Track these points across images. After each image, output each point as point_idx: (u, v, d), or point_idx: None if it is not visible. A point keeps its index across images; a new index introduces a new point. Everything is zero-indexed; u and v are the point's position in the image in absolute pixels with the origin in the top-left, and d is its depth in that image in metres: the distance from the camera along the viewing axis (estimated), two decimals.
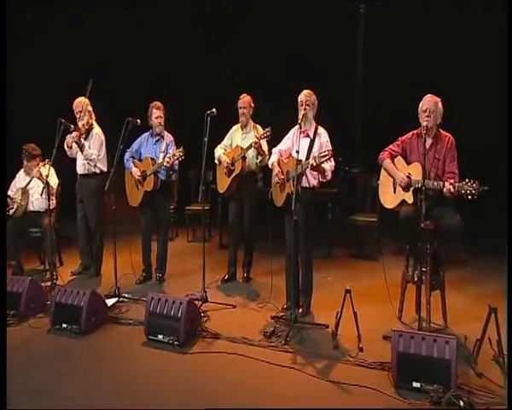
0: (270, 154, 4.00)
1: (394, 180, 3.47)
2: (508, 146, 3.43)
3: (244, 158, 4.25)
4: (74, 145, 4.50)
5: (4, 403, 2.45)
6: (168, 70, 6.91)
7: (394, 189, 3.49)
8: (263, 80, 6.35)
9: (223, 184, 4.46)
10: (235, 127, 4.52)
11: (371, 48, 6.80)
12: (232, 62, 6.87)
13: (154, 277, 4.59)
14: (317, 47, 6.45)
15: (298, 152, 3.41)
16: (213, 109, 3.91)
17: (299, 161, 3.44)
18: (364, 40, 6.99)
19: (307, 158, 3.53)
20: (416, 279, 3.39)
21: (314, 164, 3.27)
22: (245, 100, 4.37)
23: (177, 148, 4.21)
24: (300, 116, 3.55)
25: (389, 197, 3.52)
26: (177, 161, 4.19)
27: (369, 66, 6.94)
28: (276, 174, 3.66)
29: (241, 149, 4.25)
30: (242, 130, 4.45)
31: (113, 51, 6.68)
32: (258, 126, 4.40)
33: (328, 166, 3.46)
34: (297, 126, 3.58)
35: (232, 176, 4.31)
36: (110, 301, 3.80)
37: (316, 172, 3.52)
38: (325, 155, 3.22)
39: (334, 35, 6.46)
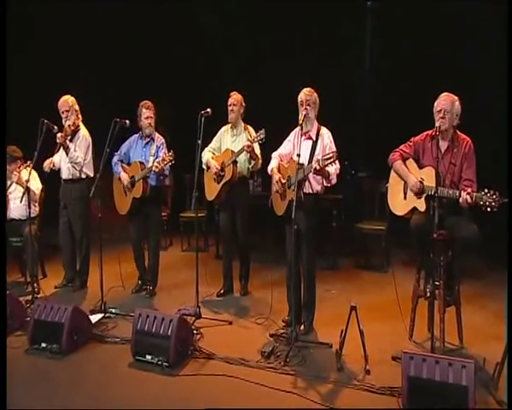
0: (263, 158, 3.92)
1: (405, 184, 3.39)
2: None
3: (235, 163, 4.15)
4: (57, 158, 4.42)
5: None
6: (164, 68, 6.88)
7: (405, 194, 3.40)
8: (264, 80, 6.35)
9: (212, 191, 4.35)
10: (223, 128, 4.42)
11: (379, 43, 6.78)
12: (231, 59, 6.84)
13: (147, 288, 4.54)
14: (322, 43, 6.47)
15: (299, 155, 3.31)
16: (208, 109, 3.83)
17: (301, 165, 3.35)
18: (372, 35, 6.97)
19: (310, 161, 3.45)
20: (428, 294, 3.30)
21: (318, 167, 3.20)
22: (235, 97, 4.29)
23: (168, 151, 4.14)
24: (301, 117, 3.46)
25: (399, 203, 3.44)
26: (167, 166, 4.11)
27: (377, 62, 6.92)
28: (277, 181, 3.57)
29: (232, 152, 4.15)
30: (232, 131, 4.36)
31: (104, 49, 6.65)
32: (249, 128, 4.31)
33: (333, 169, 3.38)
34: (298, 128, 3.50)
35: (222, 182, 4.21)
36: (95, 318, 3.69)
37: (319, 177, 3.45)
38: (329, 158, 3.15)
39: (339, 30, 6.48)
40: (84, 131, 4.47)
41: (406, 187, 3.37)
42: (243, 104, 4.32)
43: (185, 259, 5.69)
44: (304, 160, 3.44)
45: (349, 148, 6.69)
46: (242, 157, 4.18)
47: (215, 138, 4.42)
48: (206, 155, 4.34)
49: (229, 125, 4.36)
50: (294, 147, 3.58)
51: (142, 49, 6.78)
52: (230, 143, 4.31)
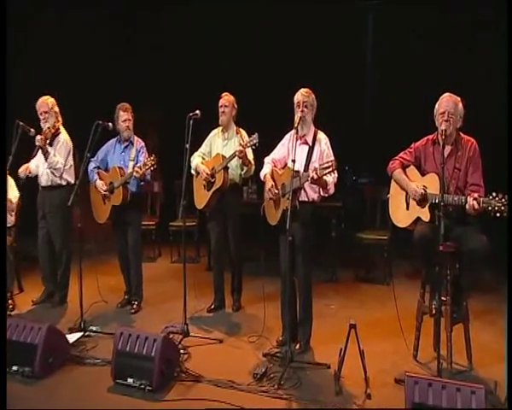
0: (256, 163, 3.88)
1: (407, 194, 3.33)
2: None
3: (226, 169, 4.08)
4: (34, 164, 4.34)
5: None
6: (152, 69, 6.85)
7: (407, 204, 3.34)
8: (262, 82, 6.35)
9: (201, 198, 4.27)
10: (214, 132, 4.36)
11: (381, 45, 6.85)
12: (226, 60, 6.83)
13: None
14: (322, 45, 6.52)
15: (294, 161, 3.24)
16: (197, 111, 3.76)
17: (297, 173, 3.29)
18: (374, 36, 7.06)
19: (305, 168, 3.39)
20: (433, 311, 3.21)
21: (315, 177, 3.13)
22: (226, 98, 4.22)
23: (148, 155, 4.08)
24: (297, 119, 3.39)
25: (401, 215, 3.37)
26: (148, 171, 4.05)
27: (379, 65, 6.98)
28: (270, 189, 3.50)
29: (223, 158, 4.08)
30: (223, 135, 4.29)
31: (92, 51, 6.62)
32: (242, 131, 4.25)
33: (331, 178, 3.33)
34: (293, 131, 3.43)
35: (212, 190, 4.13)
36: (73, 337, 3.58)
37: (316, 185, 3.38)
38: (328, 167, 3.08)
39: (340, 32, 6.54)
40: (64, 136, 4.39)
41: (408, 197, 3.32)
42: (235, 106, 4.26)
43: (174, 271, 5.59)
44: (299, 166, 3.38)
45: (350, 152, 6.82)
46: (234, 163, 4.11)
47: (205, 142, 4.36)
48: (196, 160, 4.28)
49: (220, 129, 4.30)
50: (289, 152, 3.52)
51: (130, 50, 6.79)
52: (221, 147, 4.25)
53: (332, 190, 3.39)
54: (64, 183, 4.35)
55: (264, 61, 6.56)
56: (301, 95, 3.45)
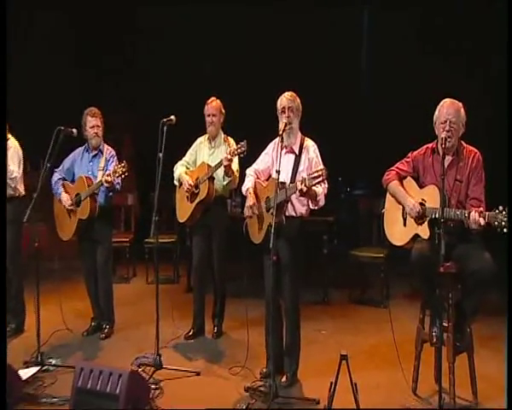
0: (241, 174, 3.83)
1: (403, 209, 3.27)
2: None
3: (212, 179, 4.02)
4: None
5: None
6: (130, 71, 6.81)
7: (404, 220, 3.27)
8: (247, 86, 6.37)
9: (184, 211, 4.21)
10: (200, 140, 4.32)
11: (377, 50, 6.98)
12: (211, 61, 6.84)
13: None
14: (314, 48, 6.65)
15: (279, 172, 3.14)
16: (172, 117, 3.67)
17: (282, 184, 3.20)
18: (368, 40, 7.20)
19: (292, 179, 3.32)
20: (434, 339, 3.11)
21: (304, 188, 3.05)
22: (213, 105, 4.17)
23: (119, 163, 4.01)
24: (282, 126, 3.30)
25: (398, 231, 3.30)
26: (118, 179, 3.98)
27: (374, 69, 7.09)
28: (251, 206, 3.40)
29: (209, 167, 4.02)
30: (210, 143, 4.25)
31: (58, 48, 6.56)
32: (230, 139, 4.21)
33: (321, 189, 3.25)
34: (277, 139, 3.35)
35: (196, 201, 4.07)
36: (27, 373, 3.39)
37: (304, 198, 3.30)
38: (317, 176, 2.99)
39: (335, 35, 6.66)
40: (14, 142, 4.25)
41: (405, 212, 3.25)
42: (223, 111, 4.23)
43: (151, 292, 5.18)
44: (285, 177, 3.30)
45: (343, 162, 6.86)
46: (221, 173, 4.05)
47: (190, 151, 4.33)
48: (179, 170, 4.24)
49: (207, 136, 4.27)
50: (273, 161, 3.44)
51: (101, 49, 6.70)
52: (208, 156, 4.22)
53: (322, 202, 3.31)
54: (16, 194, 4.19)
55: (251, 64, 6.59)
56: (286, 99, 3.37)
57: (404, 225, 3.25)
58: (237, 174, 4.04)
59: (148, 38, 6.82)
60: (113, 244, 5.54)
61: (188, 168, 4.26)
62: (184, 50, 6.81)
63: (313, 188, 3.12)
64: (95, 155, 4.27)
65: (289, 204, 3.33)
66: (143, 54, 6.83)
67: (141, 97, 6.66)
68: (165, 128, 3.59)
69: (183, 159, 4.29)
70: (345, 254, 5.23)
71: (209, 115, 4.15)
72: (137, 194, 6.22)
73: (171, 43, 6.86)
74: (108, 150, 4.30)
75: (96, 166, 4.22)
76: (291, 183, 3.26)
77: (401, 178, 3.32)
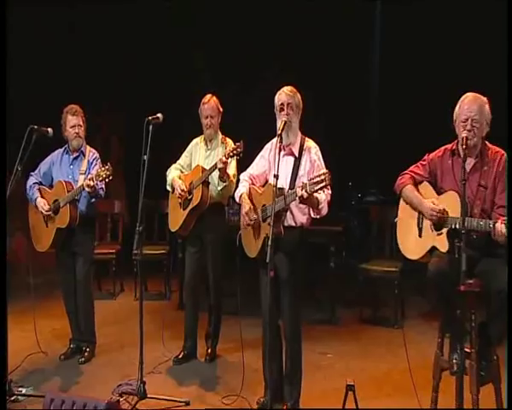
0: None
1: (420, 217, 3.21)
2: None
3: (206, 184, 3.96)
4: None
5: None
6: (119, 68, 6.76)
7: (420, 230, 3.20)
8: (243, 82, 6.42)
9: (176, 219, 4.16)
10: (196, 141, 4.28)
11: (389, 47, 7.05)
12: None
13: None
14: (323, 45, 6.68)
15: (277, 177, 3.04)
16: (158, 115, 3.59)
17: (280, 191, 3.12)
18: (381, 38, 7.32)
19: (291, 185, 3.23)
20: (455, 367, 2.99)
21: (305, 195, 2.96)
22: (211, 105, 4.09)
23: (103, 166, 3.96)
24: (280, 125, 3.22)
25: (412, 243, 3.24)
26: (102, 184, 3.95)
27: (387, 66, 7.16)
28: (246, 213, 3.33)
29: (203, 170, 3.96)
30: (207, 144, 4.20)
31: (40, 42, 6.48)
32: (228, 141, 4.14)
33: (324, 195, 3.16)
34: (275, 140, 3.28)
35: (189, 208, 4.02)
36: None
37: (305, 206, 3.21)
38: (320, 181, 2.89)
39: (344, 31, 6.72)
40: None
41: (421, 220, 3.19)
42: (220, 110, 4.17)
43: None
44: (283, 182, 3.22)
45: (354, 165, 6.80)
46: (216, 177, 3.99)
47: (185, 153, 4.30)
48: (172, 174, 4.21)
49: (203, 137, 4.23)
50: (270, 165, 3.38)
51: (87, 43, 6.71)
52: (203, 159, 4.19)
53: (325, 211, 3.22)
54: None
55: (250, 57, 6.55)
56: (285, 94, 3.29)
57: (420, 235, 3.19)
58: (234, 179, 3.98)
59: (135, 31, 6.81)
60: (99, 256, 5.64)
61: (182, 172, 4.22)
62: (177, 41, 6.84)
63: (315, 194, 3.02)
64: (76, 158, 4.22)
65: (288, 213, 3.24)
66: (131, 46, 6.81)
67: (131, 94, 6.64)
68: (150, 127, 3.50)
69: (178, 162, 4.26)
70: (354, 267, 5.22)
71: (206, 117, 4.07)
72: (126, 200, 6.15)
73: (161, 35, 6.88)
74: (91, 152, 4.24)
75: (76, 170, 4.17)
76: (290, 189, 3.18)
77: (416, 183, 3.27)
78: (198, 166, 4.07)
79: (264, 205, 3.28)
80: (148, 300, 5.68)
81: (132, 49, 6.80)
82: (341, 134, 6.59)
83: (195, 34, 6.76)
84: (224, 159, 3.73)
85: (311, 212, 3.24)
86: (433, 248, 3.08)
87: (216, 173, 3.90)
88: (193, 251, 4.18)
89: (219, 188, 4.01)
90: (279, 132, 3.20)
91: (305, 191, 2.94)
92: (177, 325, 4.47)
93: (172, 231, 4.26)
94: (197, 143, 4.25)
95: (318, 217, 3.25)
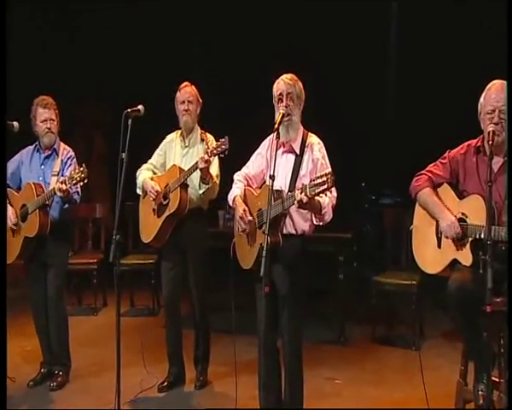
0: (224, 180, 3.78)
1: (438, 225, 3.18)
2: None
3: (185, 187, 3.90)
4: None
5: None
6: (97, 55, 6.85)
7: (439, 240, 3.18)
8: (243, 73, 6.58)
9: (149, 228, 4.12)
10: (170, 137, 4.23)
11: (406, 39, 7.17)
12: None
13: None
14: (336, 34, 6.87)
15: (273, 178, 2.98)
16: (139, 106, 3.52)
17: (278, 193, 3.08)
18: (398, 26, 7.44)
19: (291, 187, 3.18)
20: (480, 400, 2.96)
21: (304, 199, 2.89)
22: (188, 90, 4.06)
23: (79, 167, 3.93)
24: (278, 117, 3.16)
25: (430, 255, 3.23)
26: (77, 188, 3.94)
27: (404, 59, 7.25)
28: (241, 217, 3.28)
29: (181, 171, 3.91)
30: (184, 141, 4.15)
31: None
32: (209, 136, 4.12)
33: (328, 198, 3.09)
34: (273, 136, 3.20)
35: (165, 215, 3.97)
36: None
37: (307, 211, 3.16)
38: (321, 183, 2.82)
39: (359, 21, 6.93)
40: None
41: (440, 229, 3.17)
42: (200, 100, 4.14)
43: (123, 327, 5.11)
44: (282, 184, 3.19)
45: (368, 163, 6.81)
46: (196, 179, 3.96)
47: (157, 151, 4.26)
48: (143, 175, 4.16)
49: (179, 132, 4.18)
50: (269, 164, 3.31)
51: (72, 28, 6.88)
52: (180, 157, 4.14)
53: (329, 217, 3.16)
54: None
55: (249, 48, 6.70)
56: (284, 83, 3.24)
57: (439, 246, 3.17)
58: (217, 180, 3.96)
59: (120, 17, 6.92)
60: (78, 267, 5.74)
61: (154, 173, 4.18)
62: (166, 29, 6.91)
63: (316, 198, 2.96)
64: (48, 157, 4.18)
65: (288, 219, 3.19)
66: (119, 31, 6.89)
67: (117, 83, 6.66)
68: (129, 121, 3.43)
69: (149, 161, 4.23)
70: (366, 280, 5.18)
71: (183, 102, 4.02)
72: (110, 204, 6.12)
73: (152, 22, 6.97)
74: (65, 150, 4.20)
75: (48, 171, 4.13)
76: (290, 191, 3.12)
77: (435, 186, 3.25)
78: (174, 166, 4.02)
79: (259, 209, 3.23)
80: (134, 316, 5.85)
81: (120, 33, 6.86)
82: (355, 130, 6.67)
83: (191, 21, 6.84)
84: (206, 157, 3.66)
85: (314, 218, 3.19)
86: (455, 262, 3.06)
87: (195, 174, 3.85)
88: (170, 266, 4.12)
89: (201, 191, 3.96)
90: (276, 126, 3.14)
91: (305, 195, 2.87)
92: (164, 345, 4.33)
93: (145, 242, 4.20)
94: (172, 140, 4.21)
95: (322, 224, 3.19)
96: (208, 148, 3.88)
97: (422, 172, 3.29)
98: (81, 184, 3.84)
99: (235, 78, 6.64)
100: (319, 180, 2.85)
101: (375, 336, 5.13)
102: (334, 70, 6.63)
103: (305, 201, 2.89)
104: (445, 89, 6.21)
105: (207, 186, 3.86)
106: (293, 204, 3.01)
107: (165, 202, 3.97)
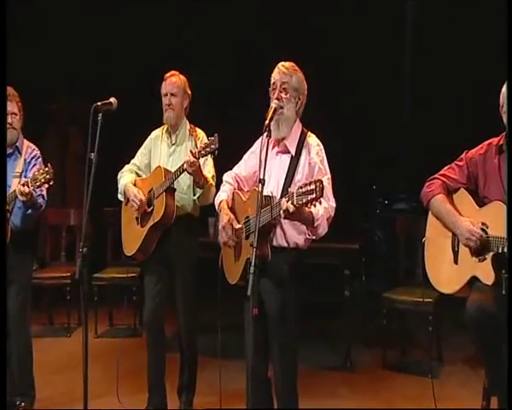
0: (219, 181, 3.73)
1: (455, 237, 3.19)
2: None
3: (172, 191, 3.83)
4: None
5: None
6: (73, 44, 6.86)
7: (455, 255, 3.17)
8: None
9: (131, 239, 4.08)
10: (155, 134, 4.19)
11: (422, 34, 7.45)
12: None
13: None
14: (350, 31, 7.15)
15: (262, 182, 2.92)
16: (111, 99, 3.49)
17: (267, 199, 3.02)
18: (413, 29, 7.75)
19: (284, 193, 3.11)
20: None
21: (291, 208, 2.82)
22: (173, 81, 4.00)
23: (45, 167, 3.88)
24: (269, 113, 3.11)
25: (445, 272, 3.22)
26: (42, 191, 3.91)
27: (419, 56, 7.48)
28: (224, 227, 3.24)
29: (166, 173, 3.84)
30: (170, 138, 4.10)
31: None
32: (199, 132, 4.08)
33: (322, 210, 3.03)
34: (264, 133, 3.16)
35: (149, 225, 3.92)
36: None
37: (300, 222, 3.11)
38: (310, 191, 2.75)
39: (374, 19, 7.17)
40: None
41: (457, 242, 3.17)
42: (188, 92, 4.08)
43: (100, 350, 5.27)
44: (275, 189, 3.17)
45: (380, 165, 6.79)
46: (186, 182, 3.92)
47: (141, 149, 4.21)
48: (125, 178, 4.11)
49: (165, 128, 4.14)
50: (261, 165, 3.24)
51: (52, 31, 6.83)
52: (166, 157, 4.11)
53: (323, 230, 3.10)
54: None
55: (248, 34, 6.76)
56: (279, 72, 3.19)
57: (456, 262, 3.17)
58: (213, 182, 3.89)
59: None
60: (50, 282, 5.74)
61: (138, 175, 4.15)
62: (154, 15, 6.96)
63: (307, 208, 2.89)
64: (9, 156, 4.11)
65: (279, 230, 3.13)
66: (99, 18, 6.92)
67: (96, 75, 6.68)
68: (99, 116, 3.38)
69: (132, 161, 4.20)
70: (376, 297, 5.18)
71: (166, 95, 3.97)
72: (87, 209, 6.04)
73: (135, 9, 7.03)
74: (30, 149, 4.15)
75: (11, 171, 4.08)
76: (282, 197, 3.02)
77: (450, 191, 3.25)
78: (159, 167, 3.98)
79: (247, 217, 3.17)
80: (113, 336, 5.80)
81: (100, 21, 6.88)
82: (365, 128, 6.73)
83: (180, 4, 6.88)
84: (192, 159, 3.59)
85: (308, 231, 3.13)
86: (474, 279, 3.04)
87: (184, 176, 3.80)
88: (155, 280, 4.05)
89: (195, 196, 3.91)
90: (267, 123, 3.07)
91: (291, 203, 2.80)
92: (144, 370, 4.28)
93: (128, 255, 4.14)
94: (158, 137, 4.18)
95: (315, 238, 3.15)
96: (196, 147, 3.84)
97: (435, 176, 3.29)
98: (46, 186, 3.78)
99: (230, 67, 6.68)
100: (307, 187, 2.78)
101: (386, 361, 5.07)
102: (347, 70, 6.80)
103: (291, 210, 2.82)
104: (463, 82, 6.29)
105: (201, 191, 3.83)
106: (280, 215, 2.94)
107: (149, 210, 3.94)
